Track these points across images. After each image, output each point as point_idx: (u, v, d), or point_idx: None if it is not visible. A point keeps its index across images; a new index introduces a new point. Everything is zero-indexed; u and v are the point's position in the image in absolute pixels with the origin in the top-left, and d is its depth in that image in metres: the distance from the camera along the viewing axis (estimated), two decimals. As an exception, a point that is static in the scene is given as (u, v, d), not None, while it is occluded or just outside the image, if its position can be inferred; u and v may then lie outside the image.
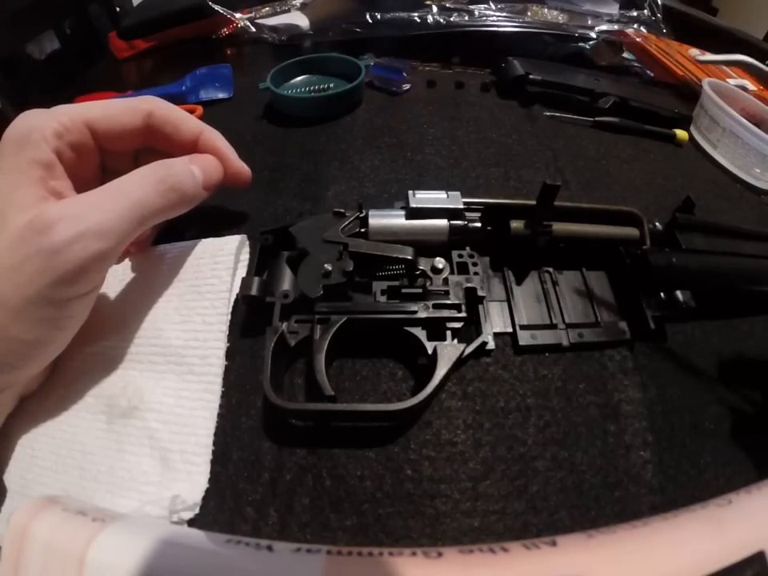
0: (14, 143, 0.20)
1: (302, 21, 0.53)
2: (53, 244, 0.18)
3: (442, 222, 0.25)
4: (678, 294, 0.24)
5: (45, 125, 0.20)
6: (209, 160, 0.25)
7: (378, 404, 0.21)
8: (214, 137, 0.26)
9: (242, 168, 0.27)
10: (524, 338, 0.24)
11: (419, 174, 0.34)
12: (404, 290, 0.24)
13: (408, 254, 0.24)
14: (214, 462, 0.20)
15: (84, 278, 0.19)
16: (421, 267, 0.24)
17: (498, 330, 0.24)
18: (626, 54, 0.55)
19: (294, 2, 0.57)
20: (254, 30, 0.53)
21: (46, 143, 0.20)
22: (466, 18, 0.48)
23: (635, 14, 0.54)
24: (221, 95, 0.44)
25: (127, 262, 0.27)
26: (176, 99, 0.42)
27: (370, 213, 0.26)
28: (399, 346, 0.23)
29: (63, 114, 0.21)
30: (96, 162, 0.24)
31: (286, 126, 0.39)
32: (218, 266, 0.25)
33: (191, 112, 0.40)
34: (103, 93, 0.44)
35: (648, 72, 0.51)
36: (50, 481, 0.20)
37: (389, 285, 0.24)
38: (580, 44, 0.53)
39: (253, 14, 0.55)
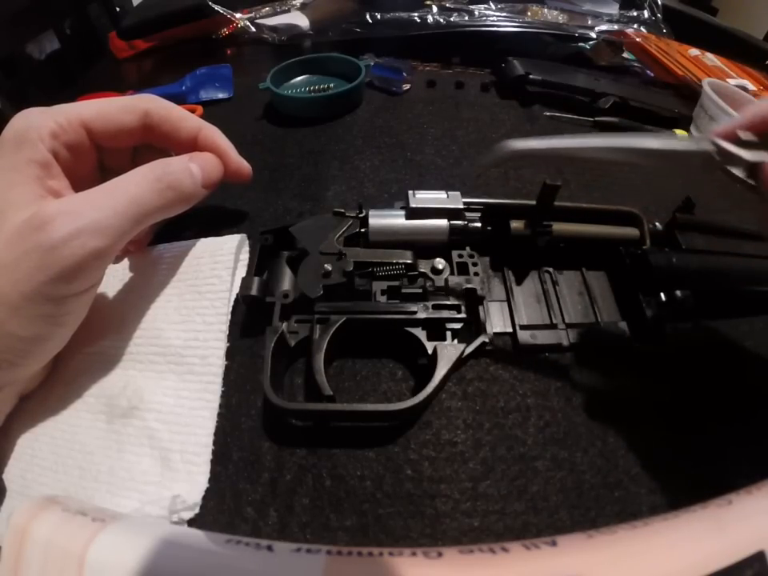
0: (11, 142, 0.20)
1: (302, 21, 0.53)
2: (51, 240, 0.18)
3: (442, 222, 0.25)
4: (678, 293, 0.24)
5: (41, 124, 0.20)
6: (208, 158, 0.25)
7: (377, 404, 0.21)
8: (214, 134, 0.26)
9: (243, 164, 0.28)
10: (524, 338, 0.24)
11: (419, 174, 0.34)
12: (404, 290, 0.24)
13: (407, 258, 0.24)
14: (214, 462, 0.20)
15: (82, 275, 0.19)
16: (421, 269, 0.24)
17: (498, 330, 0.24)
18: (625, 54, 0.55)
19: (294, 2, 0.57)
20: (253, 29, 0.53)
21: (43, 143, 0.20)
22: (466, 17, 0.48)
23: (635, 13, 0.54)
24: (221, 95, 0.44)
25: (126, 262, 0.27)
26: (176, 99, 0.42)
27: (370, 213, 0.25)
28: (399, 346, 0.23)
29: (60, 114, 0.21)
30: (93, 160, 0.24)
31: (286, 126, 0.39)
32: (218, 265, 0.25)
33: (191, 112, 0.40)
34: (103, 93, 0.44)
35: (648, 72, 0.51)
36: (50, 481, 0.20)
37: (389, 285, 0.24)
38: (580, 44, 0.53)
39: (253, 14, 0.55)
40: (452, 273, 0.25)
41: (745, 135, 0.18)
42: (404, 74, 0.44)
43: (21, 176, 0.19)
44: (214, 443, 0.21)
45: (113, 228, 0.19)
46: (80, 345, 0.23)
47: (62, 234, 0.18)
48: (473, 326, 0.24)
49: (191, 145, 0.26)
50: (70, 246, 0.18)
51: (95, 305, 0.22)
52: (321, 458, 0.20)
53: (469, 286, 0.24)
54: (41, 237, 0.18)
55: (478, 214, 0.26)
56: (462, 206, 0.26)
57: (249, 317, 0.25)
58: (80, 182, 0.22)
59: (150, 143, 0.25)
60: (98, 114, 0.22)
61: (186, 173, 0.23)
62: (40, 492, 0.20)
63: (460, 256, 0.25)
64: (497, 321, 0.25)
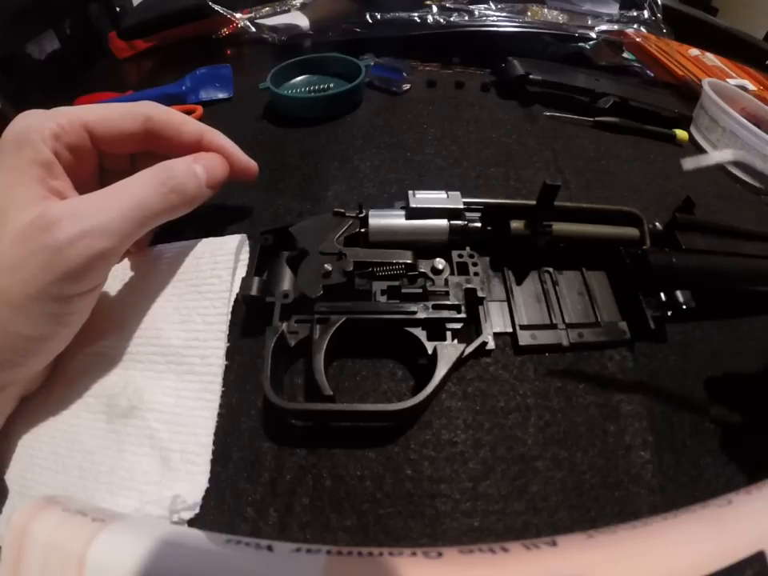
0: (12, 143, 0.20)
1: (302, 21, 0.53)
2: (57, 241, 0.18)
3: (442, 222, 0.25)
4: (678, 293, 0.24)
5: (43, 125, 0.20)
6: (213, 158, 0.25)
7: (377, 404, 0.21)
8: (217, 136, 0.26)
9: (250, 163, 0.28)
10: (524, 338, 0.24)
11: (419, 174, 0.34)
12: (404, 290, 0.24)
13: (407, 258, 0.24)
14: (213, 462, 0.20)
15: (87, 276, 0.19)
16: (421, 269, 0.24)
17: (498, 329, 0.24)
18: (626, 54, 0.55)
19: (294, 2, 0.57)
20: (253, 29, 0.53)
21: (44, 144, 0.20)
22: (466, 18, 0.48)
23: (635, 13, 0.54)
24: (221, 95, 0.44)
25: (127, 262, 0.27)
26: (176, 99, 0.42)
27: (370, 213, 0.25)
28: (399, 346, 0.23)
29: (62, 116, 0.21)
30: (94, 163, 0.24)
31: (286, 126, 0.39)
32: (218, 265, 0.25)
33: (191, 112, 0.40)
34: (103, 93, 0.44)
35: (648, 72, 0.51)
36: (50, 481, 0.20)
37: (389, 285, 0.24)
38: (580, 44, 0.53)
39: (253, 14, 0.55)
40: (452, 273, 0.25)
41: None
42: (404, 74, 0.44)
43: (24, 176, 0.19)
44: (214, 443, 0.21)
45: (118, 230, 0.19)
46: (80, 345, 0.23)
47: (68, 236, 0.18)
48: (473, 326, 0.24)
49: (195, 149, 0.26)
50: (76, 247, 0.18)
51: (96, 304, 0.22)
52: (321, 458, 0.20)
53: (469, 286, 0.24)
54: (47, 238, 0.18)
55: (478, 214, 0.26)
56: (461, 206, 0.26)
57: (249, 317, 0.25)
58: (80, 183, 0.22)
59: (152, 150, 0.25)
60: (101, 118, 0.22)
61: (189, 176, 0.23)
62: (40, 492, 0.20)
63: (460, 256, 0.25)
64: (497, 321, 0.25)
